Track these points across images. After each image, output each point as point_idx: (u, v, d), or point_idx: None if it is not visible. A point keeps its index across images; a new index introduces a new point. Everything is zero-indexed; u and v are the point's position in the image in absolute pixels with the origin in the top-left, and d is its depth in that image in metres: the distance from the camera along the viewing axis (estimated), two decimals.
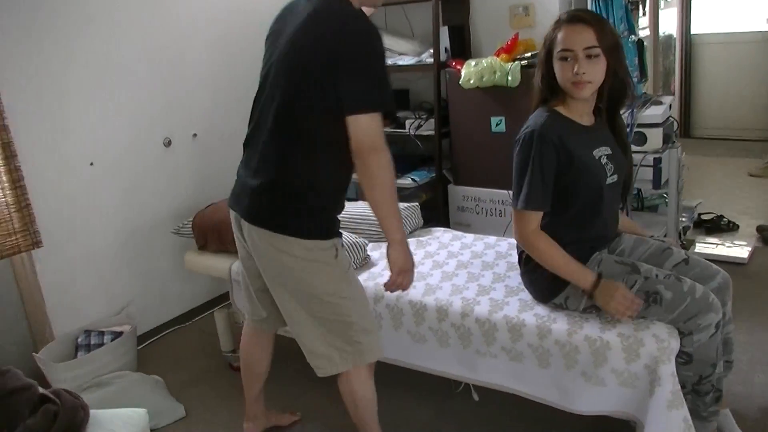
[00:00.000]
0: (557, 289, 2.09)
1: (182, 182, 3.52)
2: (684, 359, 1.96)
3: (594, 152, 2.03)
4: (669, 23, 5.72)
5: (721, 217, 4.12)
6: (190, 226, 3.02)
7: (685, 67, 6.42)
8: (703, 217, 4.17)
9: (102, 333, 3.02)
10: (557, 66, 1.98)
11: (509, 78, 3.36)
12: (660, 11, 5.11)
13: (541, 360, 2.09)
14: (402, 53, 3.94)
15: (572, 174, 1.99)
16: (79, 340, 2.99)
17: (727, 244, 3.83)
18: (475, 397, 2.60)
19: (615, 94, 2.05)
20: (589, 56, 1.93)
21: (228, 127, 3.67)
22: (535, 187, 1.97)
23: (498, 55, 3.47)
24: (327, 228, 1.99)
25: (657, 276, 1.99)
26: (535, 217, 2.02)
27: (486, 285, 2.36)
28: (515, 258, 2.51)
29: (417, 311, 2.31)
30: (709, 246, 3.82)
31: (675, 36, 6.03)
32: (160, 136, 3.37)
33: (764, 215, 4.31)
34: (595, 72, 1.95)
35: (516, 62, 3.38)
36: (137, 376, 2.87)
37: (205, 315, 3.63)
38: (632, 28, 3.70)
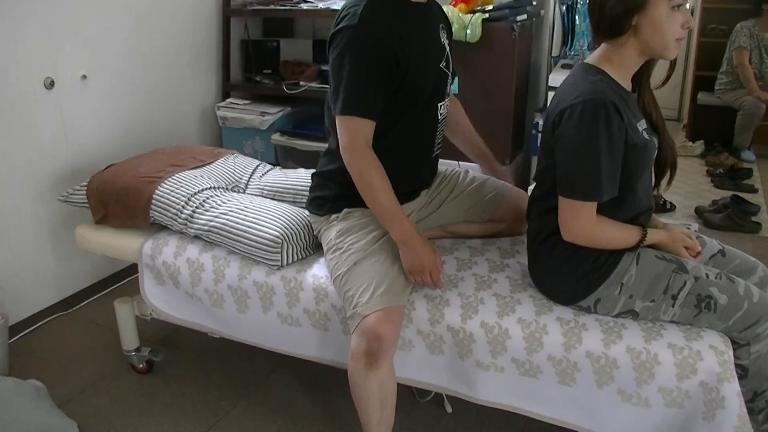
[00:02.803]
0: (587, 290, 1.69)
1: (70, 135, 2.78)
2: (738, 373, 1.64)
3: (638, 125, 1.65)
4: None
5: (658, 196, 3.94)
6: (84, 192, 2.35)
7: None
8: None
9: None
10: (664, 17, 1.55)
11: (468, 32, 2.92)
12: None
13: (564, 376, 1.70)
14: None
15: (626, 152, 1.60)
16: None
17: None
18: (448, 408, 2.20)
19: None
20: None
21: (125, 67, 2.98)
22: (609, 174, 1.57)
23: (455, 5, 3.02)
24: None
25: (707, 276, 1.64)
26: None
27: (483, 275, 1.92)
28: (503, 242, 2.12)
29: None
30: None
31: None
32: (39, 76, 2.62)
33: (692, 195, 4.22)
34: None
35: (476, 14, 2.94)
36: (10, 382, 2.19)
37: (91, 300, 2.95)
38: None
